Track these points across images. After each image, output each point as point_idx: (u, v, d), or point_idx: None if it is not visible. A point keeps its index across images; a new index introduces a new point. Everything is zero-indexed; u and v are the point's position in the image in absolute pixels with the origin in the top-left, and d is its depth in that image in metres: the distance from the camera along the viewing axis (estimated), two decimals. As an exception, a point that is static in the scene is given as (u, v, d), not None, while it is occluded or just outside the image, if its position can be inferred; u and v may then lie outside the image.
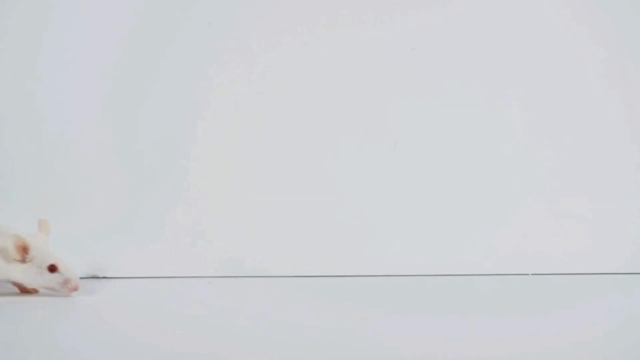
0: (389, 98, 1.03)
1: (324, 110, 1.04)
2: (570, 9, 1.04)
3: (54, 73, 1.02)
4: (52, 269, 0.91)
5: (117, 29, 1.02)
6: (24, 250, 0.91)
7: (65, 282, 0.91)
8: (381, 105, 1.04)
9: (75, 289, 0.91)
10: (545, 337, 0.77)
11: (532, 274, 1.02)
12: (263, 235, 1.02)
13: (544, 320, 0.84)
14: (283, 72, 1.03)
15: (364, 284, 0.99)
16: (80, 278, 0.98)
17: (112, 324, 0.83)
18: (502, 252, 1.02)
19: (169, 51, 1.03)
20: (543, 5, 1.04)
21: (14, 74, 1.02)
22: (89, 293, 0.94)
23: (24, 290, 0.94)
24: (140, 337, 0.77)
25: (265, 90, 1.03)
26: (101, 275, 1.02)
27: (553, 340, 0.76)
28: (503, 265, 1.03)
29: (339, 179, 1.03)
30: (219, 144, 1.03)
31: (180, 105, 1.03)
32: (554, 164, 1.04)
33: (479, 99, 1.04)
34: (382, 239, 1.02)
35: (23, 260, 0.91)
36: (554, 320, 0.84)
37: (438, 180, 1.03)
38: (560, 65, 1.04)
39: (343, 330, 0.79)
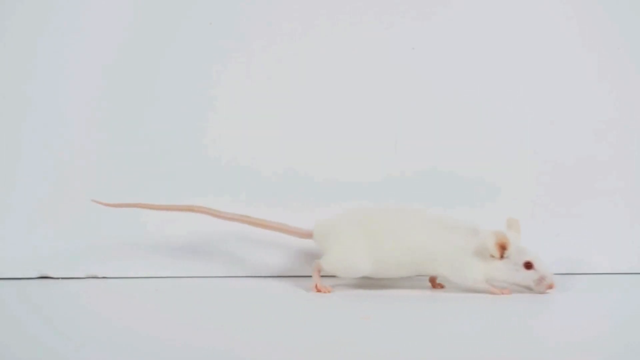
0: (390, 98, 1.03)
1: (324, 109, 1.04)
2: (571, 9, 1.04)
3: (53, 73, 1.02)
4: (528, 266, 0.91)
5: (116, 28, 1.02)
6: (502, 247, 0.90)
7: (541, 279, 0.91)
8: (381, 105, 1.04)
9: (550, 286, 0.91)
10: (545, 337, 0.77)
11: None
12: (260, 235, 1.01)
13: (544, 319, 0.84)
14: (283, 72, 1.03)
15: (362, 283, 0.99)
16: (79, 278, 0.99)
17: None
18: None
19: (169, 51, 1.03)
20: (543, 6, 1.04)
21: (11, 75, 1.02)
22: (564, 290, 0.94)
23: (435, 286, 0.95)
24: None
25: (265, 90, 1.03)
26: (100, 275, 1.03)
27: (553, 340, 0.75)
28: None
29: (338, 178, 1.03)
30: (215, 145, 1.03)
31: (181, 105, 1.03)
32: (553, 164, 1.04)
33: (479, 99, 1.04)
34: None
35: (501, 257, 0.91)
36: (554, 320, 0.84)
37: (437, 181, 1.03)
38: (561, 64, 1.04)
39: (344, 329, 0.79)
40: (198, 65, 1.03)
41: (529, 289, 0.91)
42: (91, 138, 1.03)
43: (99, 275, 1.02)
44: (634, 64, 1.04)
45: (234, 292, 0.96)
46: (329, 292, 0.92)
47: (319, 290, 0.92)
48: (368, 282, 0.96)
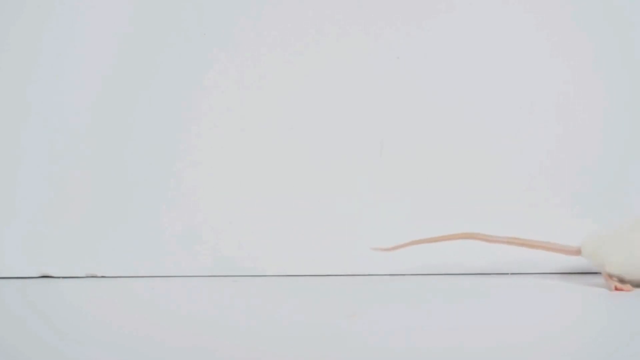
0: (375, 105, 1.04)
1: (315, 115, 1.04)
2: (555, 23, 1.05)
3: (53, 78, 1.02)
4: None
5: (114, 37, 1.03)
6: None
7: None
8: (367, 112, 1.04)
9: None
10: (544, 336, 0.77)
11: (512, 274, 1.03)
12: (255, 235, 1.02)
13: (543, 319, 0.84)
14: (274, 81, 1.04)
15: (358, 283, 0.99)
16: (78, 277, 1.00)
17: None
18: (499, 252, 1.02)
19: (162, 61, 1.03)
20: (530, 18, 1.04)
21: (8, 78, 1.02)
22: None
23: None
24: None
25: (256, 97, 1.04)
26: (99, 275, 1.03)
27: (552, 340, 0.76)
28: (501, 264, 1.03)
29: (333, 178, 1.04)
30: (212, 146, 1.04)
31: (174, 111, 1.04)
32: (551, 164, 1.05)
33: (464, 106, 1.05)
34: (377, 239, 1.02)
35: None
36: (553, 320, 0.84)
37: (434, 182, 1.04)
38: (547, 77, 1.05)
39: (331, 327, 0.79)
40: (191, 75, 1.03)
41: None
42: (91, 139, 1.03)
43: (99, 275, 1.02)
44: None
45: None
46: (629, 290, 0.94)
47: (619, 289, 0.94)
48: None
